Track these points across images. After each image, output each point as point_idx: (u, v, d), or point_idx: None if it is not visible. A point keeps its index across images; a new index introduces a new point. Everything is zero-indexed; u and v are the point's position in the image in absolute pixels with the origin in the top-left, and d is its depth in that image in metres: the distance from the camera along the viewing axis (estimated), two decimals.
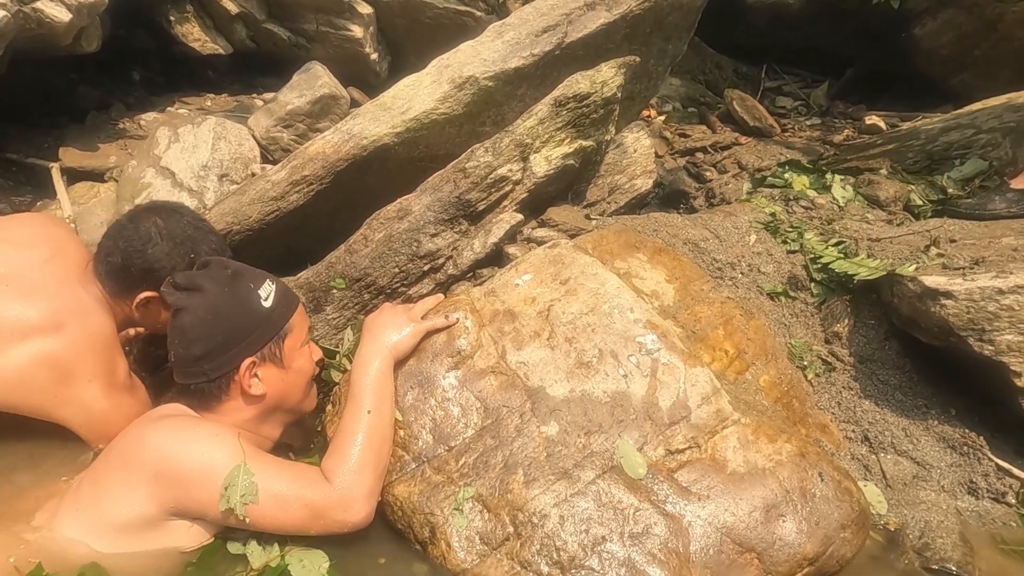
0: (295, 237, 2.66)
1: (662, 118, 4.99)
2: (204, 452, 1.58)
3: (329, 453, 1.66)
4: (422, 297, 2.17)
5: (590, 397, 1.82)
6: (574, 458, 1.74)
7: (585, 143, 2.28)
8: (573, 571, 1.61)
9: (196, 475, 1.56)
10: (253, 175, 3.41)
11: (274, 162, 3.48)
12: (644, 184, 2.96)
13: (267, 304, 1.76)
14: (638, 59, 2.37)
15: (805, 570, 1.68)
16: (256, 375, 1.76)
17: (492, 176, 2.12)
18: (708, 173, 4.12)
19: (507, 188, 2.16)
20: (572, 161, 2.27)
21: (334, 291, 2.17)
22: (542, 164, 2.20)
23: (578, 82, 2.16)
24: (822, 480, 1.76)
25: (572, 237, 2.26)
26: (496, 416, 1.80)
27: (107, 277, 1.98)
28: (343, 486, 1.59)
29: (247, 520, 1.57)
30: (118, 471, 1.60)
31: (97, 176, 3.38)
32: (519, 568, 1.62)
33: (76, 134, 3.47)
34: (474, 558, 1.64)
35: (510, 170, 2.14)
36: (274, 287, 1.80)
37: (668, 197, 3.99)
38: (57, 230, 2.09)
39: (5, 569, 1.53)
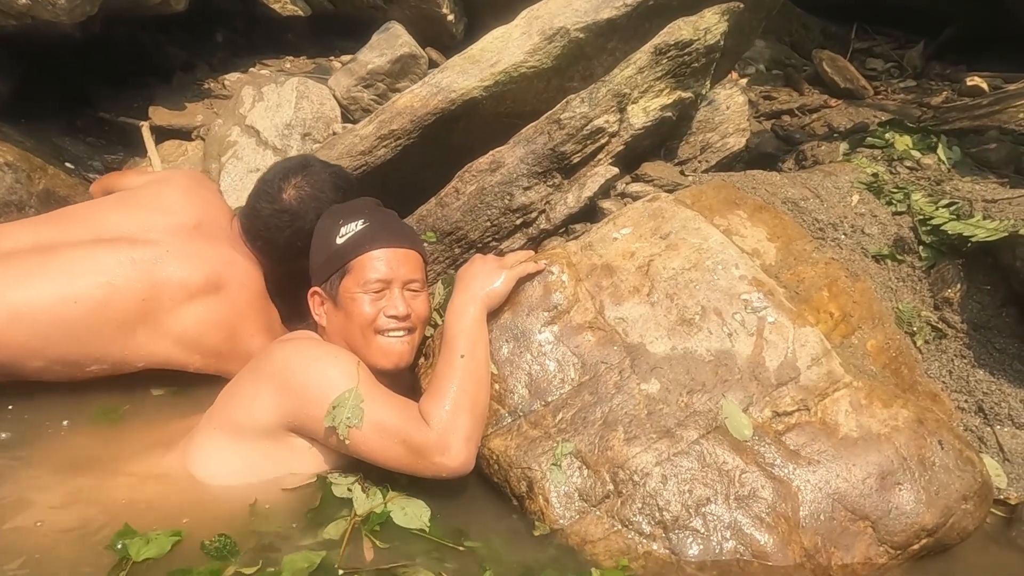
0: (380, 194, 2.64)
1: (744, 80, 4.81)
2: (322, 369, 1.63)
3: (426, 395, 1.65)
4: (513, 252, 2.13)
5: (693, 355, 1.75)
6: (676, 417, 1.68)
7: (684, 94, 2.18)
8: (676, 531, 1.56)
9: (312, 389, 1.60)
10: (335, 135, 3.42)
11: (354, 122, 3.48)
12: (737, 143, 2.84)
13: (340, 240, 1.81)
14: (741, 4, 2.25)
15: (923, 541, 1.59)
16: (323, 306, 1.84)
17: (588, 128, 2.05)
18: (798, 135, 3.95)
19: (603, 140, 2.09)
20: (670, 113, 2.18)
21: (424, 245, 2.14)
22: (640, 115, 2.11)
23: (680, 29, 2.07)
24: (942, 448, 1.66)
25: (668, 192, 2.18)
26: (594, 372, 1.75)
27: (270, 254, 2.08)
28: (440, 428, 1.58)
29: (347, 443, 1.58)
30: (249, 382, 1.69)
31: (184, 135, 3.44)
32: (620, 526, 1.58)
33: (164, 94, 3.52)
34: (572, 514, 1.60)
35: (607, 121, 2.06)
36: (360, 228, 1.82)
37: (754, 160, 3.83)
38: (200, 192, 2.17)
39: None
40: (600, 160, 2.12)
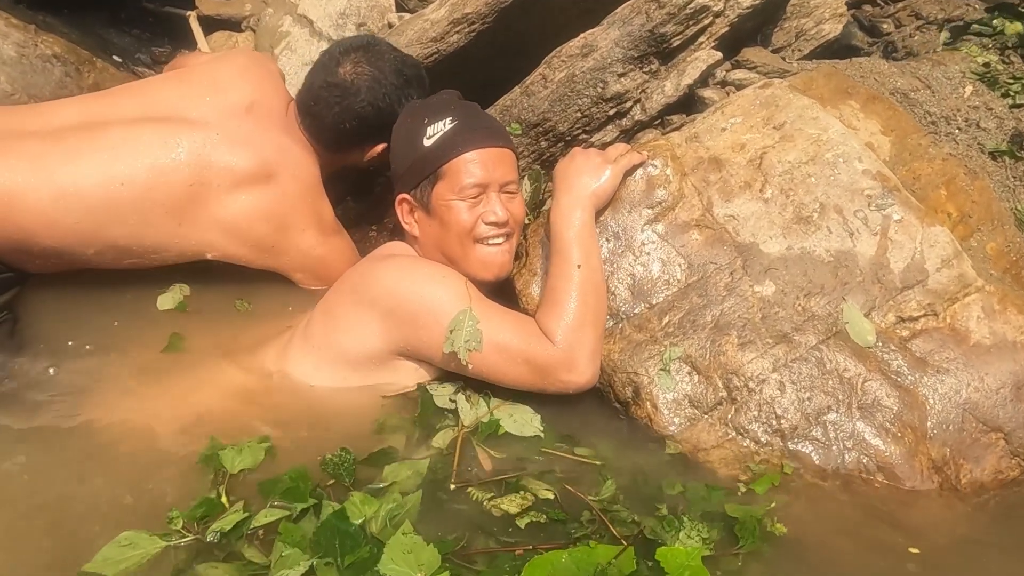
0: (450, 83, 2.48)
1: None
2: (432, 293, 1.53)
3: (544, 310, 1.54)
4: (605, 146, 1.98)
5: (810, 256, 1.62)
6: (793, 321, 1.57)
7: None
8: (795, 440, 1.48)
9: (424, 315, 1.52)
10: (389, 24, 3.22)
11: (409, 11, 3.27)
12: (833, 29, 2.62)
13: (427, 142, 1.66)
14: None
15: None
16: (414, 215, 1.71)
17: (691, 6, 1.86)
18: (884, 26, 3.65)
19: (706, 21, 1.90)
20: None
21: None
22: None
23: None
24: None
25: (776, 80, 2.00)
26: (702, 273, 1.63)
27: (318, 136, 1.92)
28: (565, 345, 1.48)
29: (470, 367, 1.50)
30: (351, 306, 1.59)
31: (234, 25, 3.26)
32: (734, 434, 1.50)
33: None
34: (683, 421, 1.52)
35: None
36: (448, 127, 1.65)
37: (837, 53, 3.57)
38: (256, 70, 1.99)
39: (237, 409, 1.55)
40: (701, 44, 1.94)
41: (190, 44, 3.23)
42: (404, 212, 1.73)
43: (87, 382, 1.63)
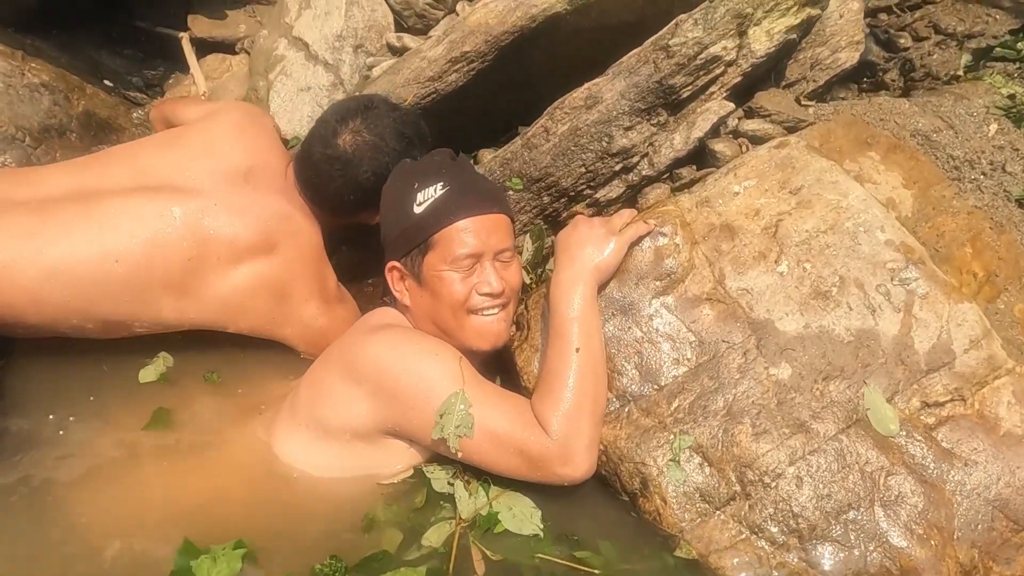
0: (449, 122, 2.39)
1: None
2: (423, 372, 1.45)
3: (540, 396, 1.45)
4: (610, 201, 1.88)
5: (829, 335, 1.52)
6: (811, 408, 1.48)
7: (812, 11, 1.86)
8: (813, 542, 1.39)
9: (414, 396, 1.44)
10: (388, 45, 3.11)
11: (408, 30, 3.16)
12: (849, 58, 2.48)
13: (418, 209, 1.57)
14: None
15: None
16: (404, 283, 1.64)
17: (702, 56, 1.74)
18: (902, 40, 3.52)
19: (718, 71, 1.79)
20: (795, 35, 1.86)
21: (510, 192, 1.90)
22: (763, 40, 1.80)
23: None
24: None
25: (789, 130, 1.89)
26: (714, 352, 1.54)
27: (320, 204, 1.86)
28: (560, 436, 1.40)
29: (459, 454, 1.43)
30: (338, 381, 1.51)
31: (228, 48, 3.16)
32: (748, 533, 1.41)
33: (203, 1, 3.21)
34: (693, 517, 1.44)
35: (724, 48, 1.75)
36: (439, 193, 1.56)
37: (851, 76, 3.43)
38: (252, 131, 1.91)
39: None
40: (712, 94, 1.83)
41: (183, 67, 3.13)
42: (394, 280, 1.65)
43: (69, 463, 1.56)
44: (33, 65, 2.87)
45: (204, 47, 3.15)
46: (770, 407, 1.48)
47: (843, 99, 3.24)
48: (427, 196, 1.56)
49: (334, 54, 2.96)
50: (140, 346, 1.80)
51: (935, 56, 3.20)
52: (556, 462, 1.40)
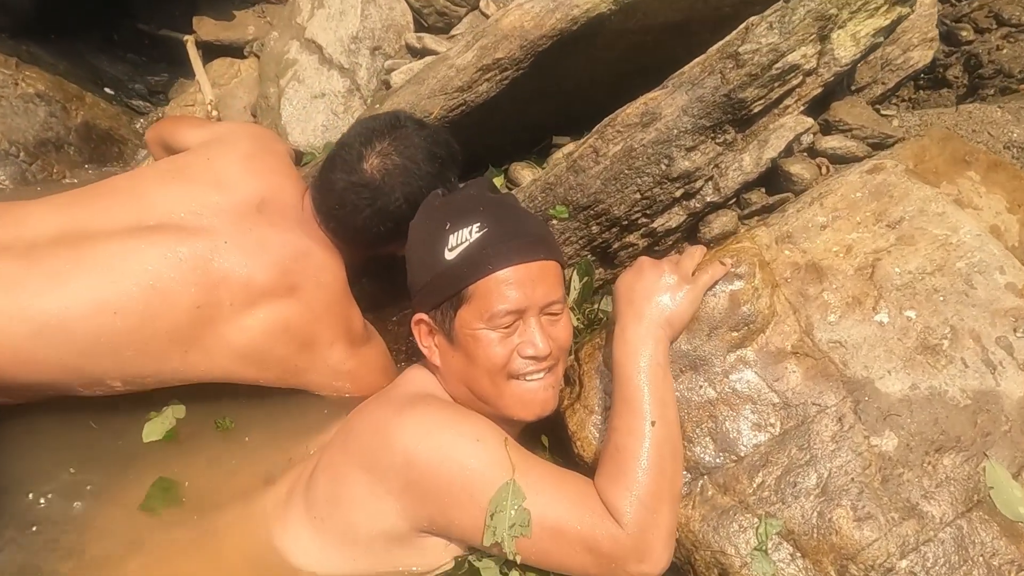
0: (477, 134, 2.16)
1: None
2: (464, 461, 1.21)
3: (608, 477, 1.22)
4: (669, 231, 1.65)
5: (941, 397, 1.29)
6: (922, 487, 1.25)
7: (903, 9, 1.61)
8: None
9: (455, 491, 1.21)
10: (408, 47, 2.88)
11: (428, 29, 2.94)
12: (922, 57, 2.24)
13: (449, 256, 1.33)
14: None
15: None
16: (434, 338, 1.41)
17: (778, 66, 1.51)
18: (963, 32, 3.25)
19: (795, 82, 1.56)
20: (882, 38, 1.62)
21: (554, 221, 1.68)
22: (848, 46, 1.56)
23: None
24: None
25: (874, 147, 1.65)
26: (802, 417, 1.31)
27: (345, 237, 1.66)
28: (636, 528, 1.17)
29: (517, 558, 1.21)
30: (360, 474, 1.27)
31: (236, 51, 2.95)
32: None
33: (209, 1, 2.99)
34: None
35: (803, 56, 1.51)
36: (475, 236, 1.32)
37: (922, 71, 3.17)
38: (264, 158, 1.70)
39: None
40: (788, 107, 1.59)
41: (189, 72, 2.92)
42: (422, 335, 1.42)
43: (46, 558, 1.35)
44: (28, 74, 2.67)
45: (211, 51, 2.95)
46: (873, 485, 1.25)
47: (907, 101, 2.97)
48: (461, 239, 1.32)
49: (350, 57, 2.74)
50: (144, 395, 1.59)
51: (1005, 51, 2.94)
52: (631, 558, 1.17)
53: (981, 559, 1.20)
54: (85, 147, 2.69)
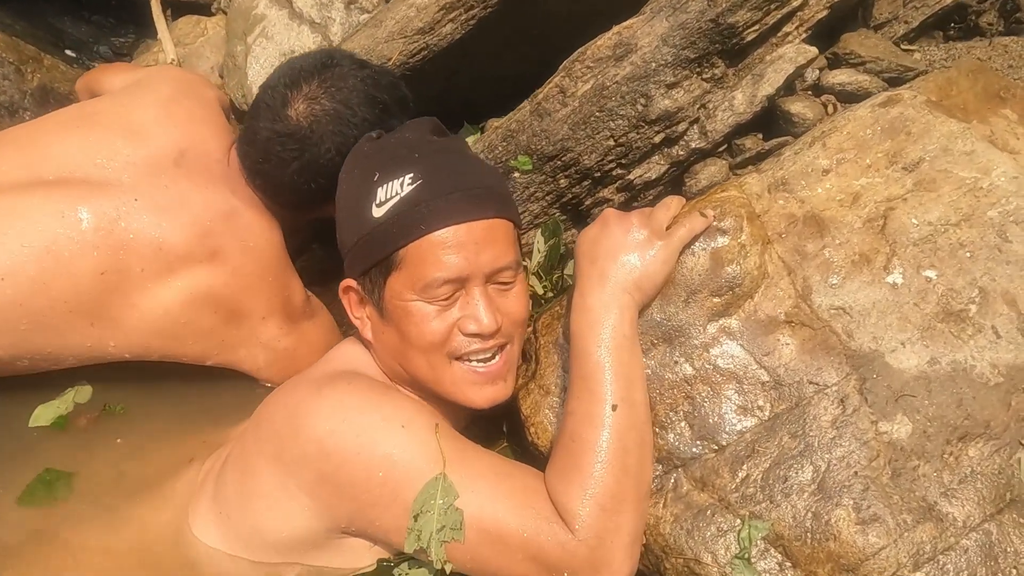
0: (446, 87, 1.95)
1: None
2: (385, 453, 1.02)
3: (559, 471, 1.02)
4: (648, 184, 1.43)
5: (966, 374, 1.07)
6: (942, 483, 1.03)
7: None
8: None
9: (374, 489, 1.02)
10: (387, 1, 2.67)
11: None
12: None
13: (377, 213, 1.13)
14: None
15: None
16: (364, 308, 1.21)
17: None
18: None
19: (795, 3, 1.32)
20: None
21: (516, 174, 1.46)
22: None
23: None
24: None
25: (891, 83, 1.41)
26: (797, 399, 1.09)
27: (274, 196, 1.46)
28: (590, 534, 0.97)
29: (448, 567, 1.02)
30: (270, 464, 1.09)
31: (203, 8, 2.77)
32: None
33: None
34: None
35: None
36: (407, 189, 1.11)
37: (944, 19, 2.90)
38: (188, 105, 1.51)
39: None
40: (788, 35, 1.36)
41: (154, 33, 2.74)
42: (352, 304, 1.23)
43: None
44: None
45: (178, 8, 2.77)
46: (882, 481, 1.03)
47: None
48: (391, 192, 1.12)
49: (321, 11, 2.53)
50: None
51: None
52: (584, 570, 0.97)
53: (1015, 572, 0.98)
54: (42, 111, 2.52)
